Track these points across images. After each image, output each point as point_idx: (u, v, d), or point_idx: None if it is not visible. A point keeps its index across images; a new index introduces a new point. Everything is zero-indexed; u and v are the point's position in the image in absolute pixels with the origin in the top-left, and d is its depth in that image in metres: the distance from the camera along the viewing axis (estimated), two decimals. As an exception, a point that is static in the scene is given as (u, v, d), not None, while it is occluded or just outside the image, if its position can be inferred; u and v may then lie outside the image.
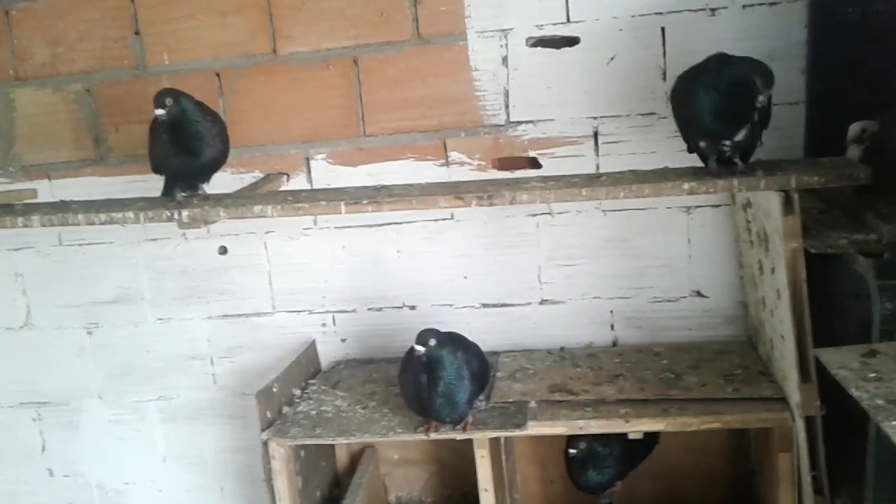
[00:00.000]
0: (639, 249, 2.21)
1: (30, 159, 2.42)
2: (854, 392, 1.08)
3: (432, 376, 1.78)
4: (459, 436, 1.87)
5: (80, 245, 2.46)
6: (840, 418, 1.69)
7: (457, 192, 1.79)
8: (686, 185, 1.66)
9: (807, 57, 1.99)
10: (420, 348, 1.76)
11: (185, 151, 1.86)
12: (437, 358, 1.78)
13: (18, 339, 2.54)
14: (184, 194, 1.93)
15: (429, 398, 1.80)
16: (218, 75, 2.29)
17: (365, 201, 1.81)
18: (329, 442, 2.07)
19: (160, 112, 1.80)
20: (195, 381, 2.48)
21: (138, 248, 2.43)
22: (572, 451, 2.03)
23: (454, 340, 1.88)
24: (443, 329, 2.02)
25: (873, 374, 1.13)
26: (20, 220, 1.95)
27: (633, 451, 2.07)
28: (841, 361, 1.17)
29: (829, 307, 1.75)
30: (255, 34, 2.25)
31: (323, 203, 1.85)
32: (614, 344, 2.27)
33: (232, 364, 2.46)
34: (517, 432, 1.86)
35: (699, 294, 2.20)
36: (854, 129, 1.76)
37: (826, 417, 1.67)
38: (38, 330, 2.53)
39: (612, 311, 2.26)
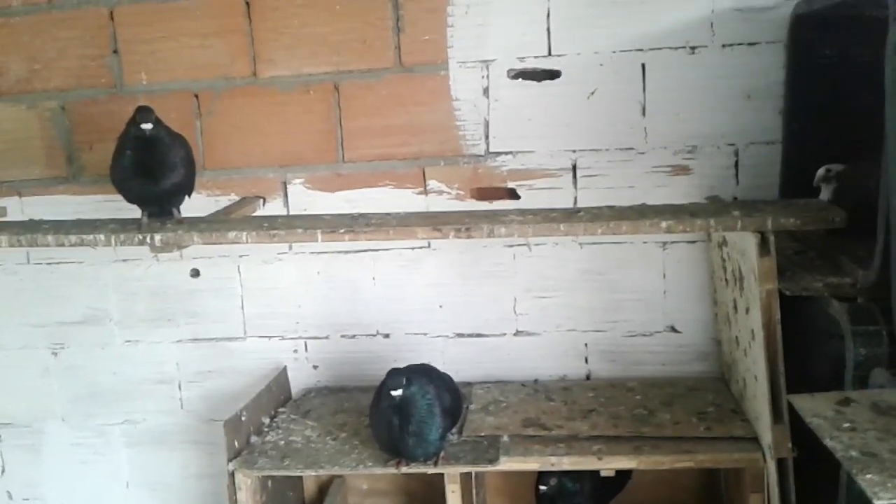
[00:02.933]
0: (614, 283, 2.21)
1: (1, 175, 2.37)
2: (828, 443, 1.07)
3: (403, 416, 1.75)
4: (431, 470, 1.85)
5: (48, 264, 2.41)
6: (811, 460, 1.69)
7: (435, 223, 1.78)
8: (664, 224, 1.67)
9: (784, 97, 2.01)
10: (397, 393, 1.73)
11: (146, 175, 1.83)
12: (407, 399, 1.75)
13: (-19, 359, 2.48)
14: (147, 218, 1.90)
15: (400, 438, 1.77)
16: (196, 96, 2.27)
17: (342, 230, 1.80)
18: (297, 473, 2.03)
19: (147, 126, 1.77)
20: (162, 405, 2.43)
21: (108, 268, 2.39)
22: (543, 487, 2.01)
23: (425, 374, 1.86)
24: (415, 360, 2.01)
25: (847, 424, 1.12)
26: (-13, 238, 1.91)
27: (604, 487, 2.05)
28: (815, 409, 1.17)
29: (802, 348, 1.75)
30: (236, 57, 2.23)
31: (299, 231, 1.83)
32: (588, 377, 2.26)
33: (200, 389, 2.42)
34: (489, 468, 1.83)
35: (673, 329, 2.21)
36: (820, 172, 1.78)
37: (797, 459, 1.67)
38: (2, 349, 2.47)
39: (586, 344, 2.25)
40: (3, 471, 2.54)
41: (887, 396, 1.19)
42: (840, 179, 1.75)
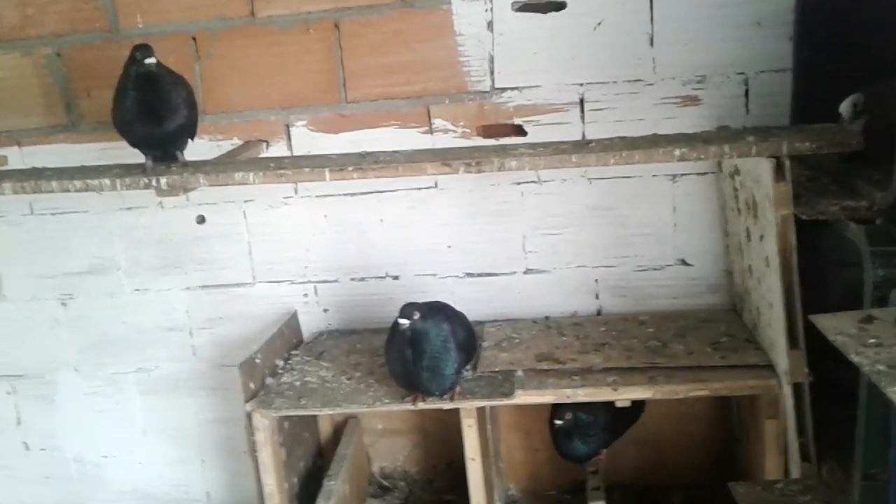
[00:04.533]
0: (624, 218, 2.19)
1: (-1, 125, 2.34)
2: (854, 358, 1.07)
3: (417, 350, 1.76)
4: (447, 405, 1.86)
5: (52, 214, 2.39)
6: (826, 386, 1.71)
7: (444, 158, 1.76)
8: (677, 152, 1.65)
9: (794, 24, 1.97)
10: (404, 322, 1.74)
11: (149, 116, 1.80)
12: (421, 331, 1.76)
13: (-10, 312, 2.48)
14: (151, 162, 1.88)
15: (415, 372, 1.78)
16: (194, 39, 2.22)
17: (350, 168, 1.78)
18: (315, 413, 2.04)
19: (151, 61, 1.74)
20: (174, 352, 2.44)
21: (113, 217, 2.37)
22: (558, 421, 2.02)
23: (440, 311, 1.86)
24: (428, 299, 2.01)
25: (872, 340, 1.12)
26: (-10, 187, 1.89)
27: (618, 419, 2.07)
28: (838, 327, 1.16)
29: (815, 275, 1.74)
30: (232, -4, 2.18)
31: (307, 170, 1.81)
32: (599, 313, 2.26)
33: (211, 335, 2.42)
34: (505, 401, 1.85)
35: (684, 262, 2.20)
36: (845, 106, 1.72)
37: (812, 385, 1.68)
38: (11, 301, 2.46)
39: (596, 280, 2.25)
40: (18, 422, 2.56)
41: (910, 313, 1.19)
42: (868, 108, 1.69)
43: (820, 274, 1.76)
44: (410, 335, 1.73)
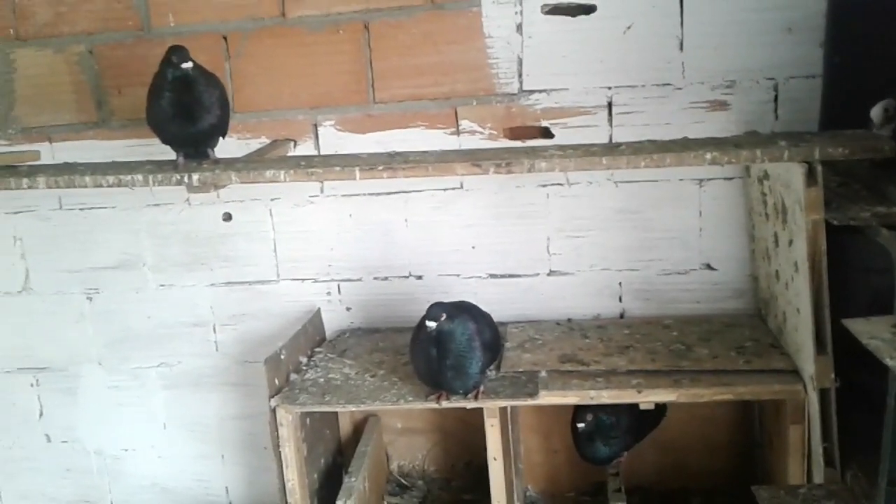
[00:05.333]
0: (649, 222, 2.20)
1: (30, 121, 2.36)
2: (889, 362, 1.08)
3: (442, 350, 1.77)
4: (471, 404, 1.87)
5: (80, 209, 2.42)
6: (850, 392, 1.70)
7: (474, 159, 1.77)
8: (708, 155, 1.65)
9: (825, 30, 1.97)
10: (431, 324, 1.75)
11: (183, 116, 1.83)
12: (447, 332, 1.77)
13: (17, 304, 2.49)
14: (182, 158, 1.90)
15: (440, 371, 1.80)
16: (225, 38, 2.24)
17: (380, 167, 1.79)
18: (339, 409, 2.05)
19: (188, 65, 1.77)
20: (197, 348, 2.45)
21: (141, 213, 2.39)
22: (580, 424, 2.02)
23: (466, 310, 1.87)
24: (450, 299, 2.02)
25: (908, 344, 1.12)
26: (25, 181, 1.91)
27: (640, 422, 2.07)
28: (871, 332, 1.17)
29: (843, 281, 1.74)
30: (263, -4, 2.20)
31: (337, 169, 1.82)
32: (622, 316, 2.26)
33: (234, 332, 2.43)
34: (529, 401, 1.85)
35: (709, 267, 2.20)
36: (876, 112, 1.73)
37: (837, 391, 1.68)
38: (37, 295, 2.49)
39: (620, 283, 2.25)
40: (41, 414, 2.58)
41: (944, 318, 1.19)
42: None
43: (847, 280, 1.75)
44: (436, 335, 1.74)
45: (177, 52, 1.79)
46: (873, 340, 1.14)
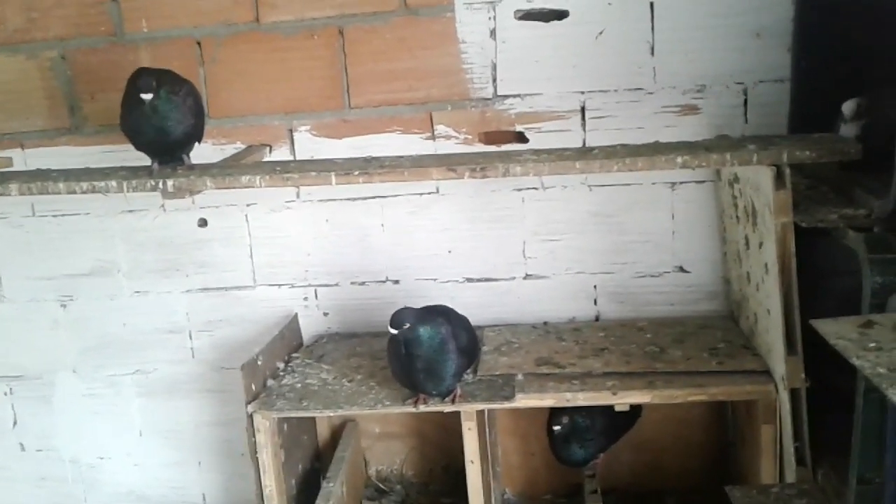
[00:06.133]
0: (623, 225, 2.22)
1: (2, 127, 2.34)
2: (856, 361, 1.10)
3: (414, 354, 1.77)
4: (448, 408, 1.87)
5: (53, 216, 2.40)
6: (821, 392, 1.73)
7: (449, 163, 1.78)
8: (679, 159, 1.67)
9: (793, 34, 2.00)
10: (394, 331, 1.76)
11: (155, 127, 1.82)
12: (413, 339, 1.77)
13: (-11, 313, 2.48)
14: (157, 165, 1.89)
15: (411, 372, 1.81)
16: (199, 43, 2.24)
17: (356, 172, 1.80)
18: (317, 415, 2.05)
19: (147, 97, 1.76)
20: (173, 354, 2.44)
21: (115, 219, 2.38)
22: (556, 427, 2.04)
23: (441, 314, 1.88)
24: (428, 303, 2.02)
25: (873, 344, 1.15)
26: (-4, 187, 1.90)
27: (615, 423, 2.09)
28: (839, 332, 1.19)
29: (812, 283, 1.77)
30: (238, 1, 2.20)
31: (313, 174, 1.83)
32: (597, 318, 2.28)
33: (211, 338, 2.43)
34: (506, 404, 1.86)
35: (682, 270, 2.23)
36: (849, 107, 1.76)
37: (808, 391, 1.71)
38: (10, 302, 2.47)
39: (595, 286, 2.27)
40: (15, 422, 2.55)
41: (909, 318, 1.22)
42: (868, 113, 1.73)
43: (816, 283, 1.78)
44: (405, 340, 1.75)
45: (141, 79, 1.77)
46: (841, 340, 1.16)
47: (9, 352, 2.50)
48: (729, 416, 2.25)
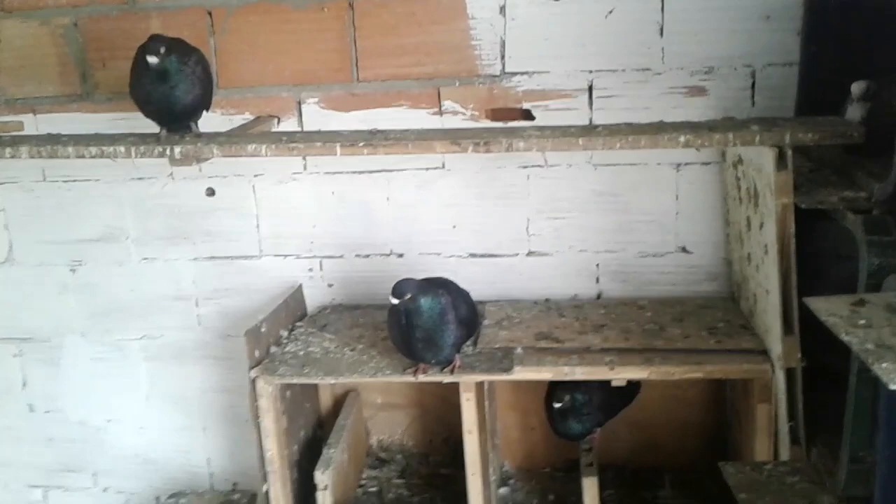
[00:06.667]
0: (627, 205, 2.23)
1: (14, 93, 2.36)
2: (844, 337, 1.11)
3: (410, 323, 1.80)
4: (447, 378, 1.90)
5: (64, 181, 2.43)
6: (817, 373, 1.75)
7: (453, 137, 1.80)
8: (682, 138, 1.69)
9: (803, 18, 2.00)
10: (395, 300, 1.78)
11: (163, 94, 1.84)
12: (413, 309, 1.80)
13: (0, 275, 2.51)
14: (165, 132, 1.92)
15: (411, 340, 1.83)
16: (210, 14, 2.25)
17: (361, 144, 1.81)
18: (317, 381, 2.08)
19: (153, 60, 1.78)
20: (180, 321, 2.48)
21: (124, 186, 2.40)
22: (557, 404, 2.06)
23: (441, 285, 1.90)
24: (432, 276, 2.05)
25: (863, 322, 1.16)
26: (7, 150, 1.93)
27: (613, 399, 2.11)
28: (830, 309, 1.20)
29: (813, 265, 1.78)
30: (249, -28, 2.21)
31: (318, 144, 1.85)
32: (599, 297, 2.30)
33: (217, 306, 2.46)
34: (504, 376, 1.89)
35: (685, 250, 2.24)
36: (858, 87, 1.75)
37: (804, 371, 1.72)
38: (20, 266, 2.50)
39: (598, 265, 2.29)
40: (24, 384, 2.60)
41: (901, 298, 1.23)
42: (876, 97, 1.73)
43: (818, 265, 1.80)
44: (405, 308, 1.78)
45: (149, 45, 1.79)
46: (831, 317, 1.18)
47: (18, 314, 2.54)
48: (727, 396, 2.27)
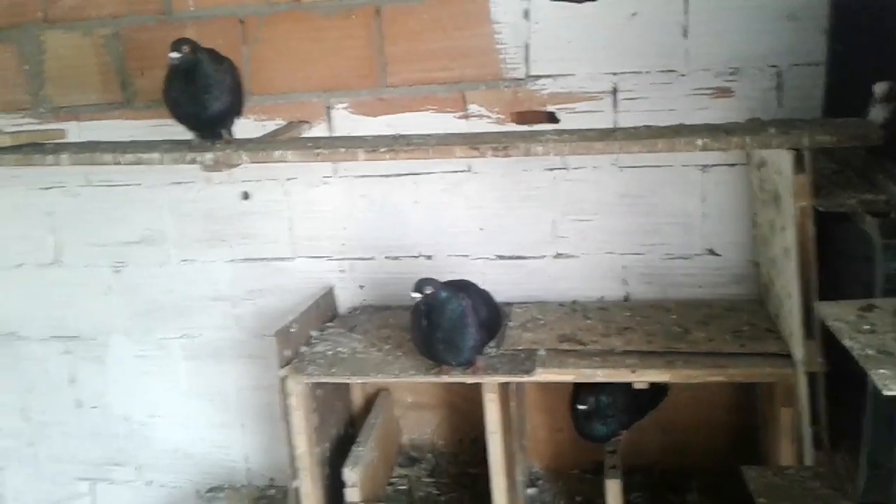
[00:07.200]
0: (653, 206, 2.23)
1: (59, 101, 2.47)
2: (846, 342, 1.11)
3: (432, 322, 1.84)
4: (469, 379, 1.93)
5: (107, 186, 2.52)
6: (845, 377, 1.73)
7: (472, 142, 1.83)
8: (700, 141, 1.68)
9: (828, 17, 1.97)
10: (416, 295, 1.82)
11: (192, 101, 1.91)
12: (434, 305, 1.84)
13: (48, 276, 2.62)
14: (197, 139, 1.99)
15: (431, 342, 1.87)
16: (242, 22, 2.32)
17: (383, 149, 1.85)
18: (344, 380, 2.13)
19: (174, 55, 1.84)
20: (217, 321, 2.56)
21: (163, 190, 2.49)
22: (581, 406, 2.07)
23: (461, 288, 1.94)
24: (458, 278, 2.08)
25: (867, 327, 1.16)
26: (49, 157, 2.02)
27: (638, 401, 2.12)
28: (838, 314, 1.20)
29: (837, 267, 1.76)
30: (279, -19, 2.27)
31: (342, 150, 1.89)
32: (626, 299, 2.30)
33: (253, 306, 2.53)
34: (525, 378, 1.91)
35: (712, 252, 2.23)
36: (881, 88, 1.73)
37: (831, 376, 1.71)
38: (67, 267, 2.61)
39: (624, 267, 2.29)
40: (72, 380, 2.71)
41: (910, 304, 1.22)
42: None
43: (842, 266, 1.78)
44: (425, 308, 1.82)
45: (174, 42, 1.85)
46: (836, 322, 1.18)
47: (66, 314, 2.65)
48: (758, 399, 2.25)
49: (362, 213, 2.40)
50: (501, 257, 2.36)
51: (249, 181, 2.44)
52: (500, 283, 2.29)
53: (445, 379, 1.94)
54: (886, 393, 0.98)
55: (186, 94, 1.90)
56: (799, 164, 1.61)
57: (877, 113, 1.72)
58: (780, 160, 1.70)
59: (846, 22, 1.92)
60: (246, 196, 2.46)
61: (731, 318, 2.09)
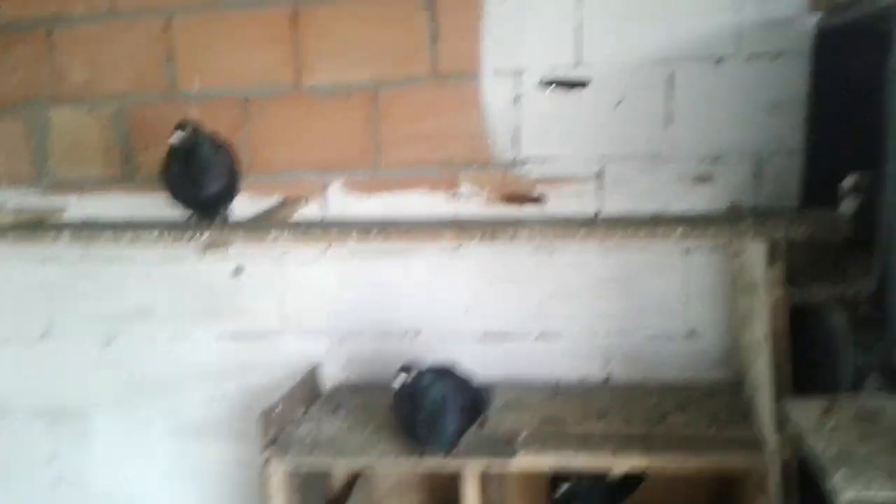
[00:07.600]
0: (637, 289, 2.27)
1: (63, 175, 2.52)
2: (808, 443, 1.13)
3: (415, 406, 1.85)
4: (449, 465, 1.93)
5: (101, 260, 2.55)
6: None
7: (461, 228, 1.88)
8: (678, 230, 1.73)
9: (806, 108, 2.04)
10: (399, 379, 1.85)
11: (189, 183, 1.97)
12: (416, 390, 1.86)
13: (38, 349, 2.63)
14: (195, 219, 2.04)
15: (413, 426, 1.88)
16: (245, 101, 2.39)
17: (374, 232, 1.90)
18: (326, 464, 2.12)
19: (173, 137, 1.91)
20: (202, 397, 2.55)
21: (157, 265, 2.52)
22: (555, 494, 2.07)
23: (444, 373, 1.96)
24: (445, 357, 2.10)
25: (831, 426, 1.18)
26: (51, 233, 2.06)
27: (614, 489, 2.11)
28: (802, 412, 1.22)
29: (811, 356, 1.78)
30: (282, 64, 2.35)
31: (335, 232, 1.94)
32: (608, 380, 2.32)
33: (239, 382, 2.52)
34: (506, 463, 1.91)
35: (693, 335, 2.26)
36: (848, 180, 1.79)
37: (803, 464, 1.71)
38: (56, 339, 2.61)
39: (608, 348, 2.31)
40: (52, 457, 2.67)
41: (874, 402, 1.24)
42: (869, 189, 1.75)
43: (816, 356, 1.79)
44: (408, 392, 1.84)
45: (177, 125, 1.93)
46: (801, 421, 1.20)
47: (51, 388, 2.63)
48: (735, 486, 2.23)
49: (352, 291, 2.43)
50: (487, 336, 2.38)
51: (243, 257, 2.48)
52: (484, 363, 2.29)
53: (425, 464, 1.94)
54: (842, 499, 0.99)
55: (183, 176, 1.96)
56: (773, 255, 1.64)
57: (847, 204, 1.76)
58: (756, 251, 1.74)
59: (823, 113, 1.98)
60: (238, 271, 2.49)
61: (711, 402, 2.09)
